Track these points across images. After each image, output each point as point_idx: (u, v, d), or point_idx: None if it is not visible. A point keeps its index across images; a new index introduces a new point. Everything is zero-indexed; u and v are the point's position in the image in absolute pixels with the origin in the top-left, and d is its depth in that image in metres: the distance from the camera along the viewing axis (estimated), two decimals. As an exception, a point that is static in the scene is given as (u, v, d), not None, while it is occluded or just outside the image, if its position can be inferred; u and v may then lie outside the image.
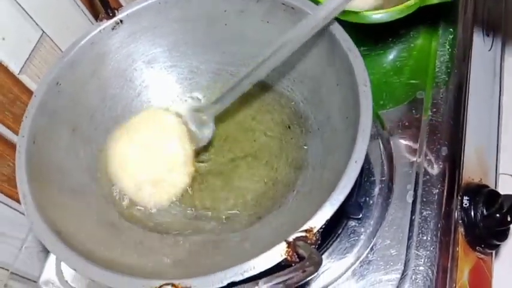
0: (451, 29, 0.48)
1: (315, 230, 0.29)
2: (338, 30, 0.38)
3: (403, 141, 0.42)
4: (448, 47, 0.47)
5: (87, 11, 0.55)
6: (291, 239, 0.29)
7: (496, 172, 0.50)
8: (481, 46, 0.51)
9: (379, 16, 0.41)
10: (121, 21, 0.44)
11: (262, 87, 0.46)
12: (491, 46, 0.53)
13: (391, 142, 0.42)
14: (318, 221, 0.30)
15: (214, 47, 0.47)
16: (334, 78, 0.39)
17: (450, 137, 0.42)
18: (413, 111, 0.45)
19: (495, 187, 0.48)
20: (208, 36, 0.47)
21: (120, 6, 0.45)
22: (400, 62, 0.48)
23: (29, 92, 0.49)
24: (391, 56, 0.49)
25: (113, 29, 0.44)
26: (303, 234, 0.29)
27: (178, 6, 0.45)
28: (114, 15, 0.44)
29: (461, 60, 0.47)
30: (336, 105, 0.39)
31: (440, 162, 0.41)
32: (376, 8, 0.44)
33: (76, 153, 0.41)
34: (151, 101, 0.47)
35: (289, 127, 0.44)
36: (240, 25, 0.46)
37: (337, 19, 0.39)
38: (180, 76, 0.48)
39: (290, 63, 0.44)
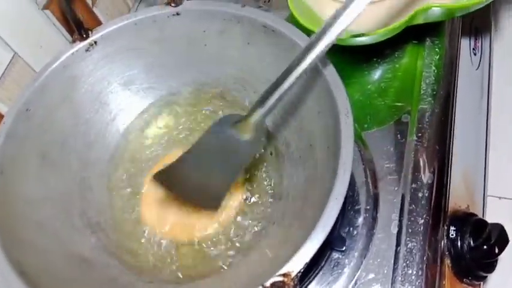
0: (436, 49, 0.47)
1: (293, 275, 0.28)
2: (324, 63, 0.36)
3: (387, 167, 0.41)
4: (434, 67, 0.46)
5: (63, 29, 0.53)
6: (268, 284, 0.28)
7: (484, 194, 0.49)
8: (468, 65, 0.50)
9: (363, 39, 0.40)
10: (95, 42, 0.42)
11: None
12: (479, 65, 0.52)
13: (376, 168, 0.41)
14: (297, 264, 0.28)
15: (194, 68, 0.46)
16: (315, 105, 0.38)
17: (436, 164, 0.41)
18: (398, 135, 0.43)
19: (483, 211, 0.47)
20: (187, 56, 0.45)
21: (99, 24, 0.44)
22: (384, 83, 0.47)
23: (0, 117, 0.47)
24: (376, 76, 0.48)
25: (86, 50, 0.42)
26: (281, 278, 0.28)
27: (156, 27, 0.43)
28: (87, 37, 0.42)
29: (447, 82, 0.45)
30: (317, 134, 0.38)
31: (425, 190, 0.39)
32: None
33: (46, 183, 0.39)
34: (127, 125, 0.46)
35: (270, 153, 0.43)
36: (220, 46, 0.44)
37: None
38: (158, 98, 0.47)
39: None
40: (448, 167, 0.42)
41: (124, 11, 0.62)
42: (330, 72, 0.35)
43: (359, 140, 0.43)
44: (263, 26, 0.40)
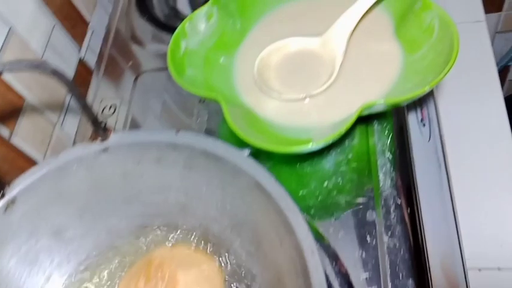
0: (386, 131, 0.46)
1: None
2: (273, 187, 0.33)
3: (364, 279, 0.37)
4: (388, 153, 0.44)
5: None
6: None
7: (465, 272, 0.46)
8: (419, 139, 0.48)
9: (310, 147, 0.37)
10: (13, 201, 0.37)
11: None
12: (430, 135, 0.50)
13: (352, 280, 0.37)
14: None
15: (134, 201, 0.41)
16: (275, 236, 0.34)
17: (414, 264, 0.38)
18: (368, 237, 0.40)
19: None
20: (124, 190, 0.40)
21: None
22: (341, 179, 0.44)
23: None
24: (330, 168, 0.45)
25: (5, 211, 0.37)
26: None
27: (83, 167, 0.38)
28: (3, 195, 0.37)
29: (405, 168, 0.43)
30: (284, 266, 0.34)
31: (410, 300, 0.36)
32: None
33: None
34: (67, 279, 0.40)
35: (233, 288, 0.38)
36: (159, 174, 0.40)
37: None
38: (98, 240, 0.41)
39: (225, 208, 0.39)
40: (426, 264, 0.39)
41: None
42: (287, 204, 0.32)
43: (329, 252, 0.40)
44: (202, 152, 0.37)
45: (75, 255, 0.41)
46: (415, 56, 0.40)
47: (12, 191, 0.36)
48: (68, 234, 0.40)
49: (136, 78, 0.60)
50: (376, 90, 0.40)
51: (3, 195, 0.36)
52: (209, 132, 0.53)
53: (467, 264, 0.48)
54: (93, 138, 0.38)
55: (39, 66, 0.29)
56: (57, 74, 0.30)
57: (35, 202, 0.38)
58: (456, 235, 0.48)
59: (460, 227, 0.49)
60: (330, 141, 0.36)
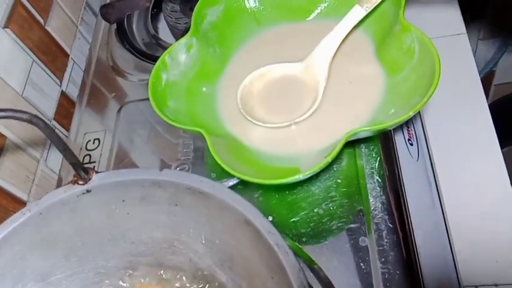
0: (373, 154, 0.45)
1: None
2: (261, 222, 0.32)
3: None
4: (376, 177, 0.44)
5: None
6: None
7: (461, 289, 0.46)
8: (409, 160, 0.48)
9: (297, 177, 0.36)
10: (-5, 249, 0.36)
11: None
12: (418, 155, 0.50)
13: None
14: None
15: (121, 240, 0.40)
16: (266, 270, 0.33)
17: (410, 290, 0.38)
18: (361, 264, 0.40)
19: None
20: (110, 230, 0.39)
21: None
22: (332, 204, 0.43)
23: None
24: (320, 195, 0.45)
25: (-12, 259, 0.36)
26: None
27: (66, 209, 0.37)
28: (-15, 244, 0.36)
29: (395, 191, 0.43)
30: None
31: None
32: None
33: None
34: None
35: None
36: (144, 212, 0.39)
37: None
38: (86, 282, 0.40)
39: (214, 243, 0.38)
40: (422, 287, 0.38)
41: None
42: (276, 240, 0.31)
43: (323, 281, 0.39)
44: (188, 188, 0.36)
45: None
46: (397, 78, 0.40)
47: (-7, 240, 0.36)
48: (55, 277, 0.39)
49: (120, 109, 0.59)
50: (360, 114, 0.39)
51: (-16, 244, 0.35)
52: (196, 161, 0.52)
53: (464, 282, 0.47)
54: (75, 180, 0.37)
55: (14, 115, 0.28)
56: (32, 122, 0.29)
57: (18, 248, 0.36)
58: (451, 254, 0.47)
59: (454, 245, 0.48)
60: (318, 171, 0.36)
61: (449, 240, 0.48)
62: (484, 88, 0.58)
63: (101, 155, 0.55)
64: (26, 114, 0.30)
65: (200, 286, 0.39)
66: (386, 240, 0.40)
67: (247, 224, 0.33)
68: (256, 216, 0.33)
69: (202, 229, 0.38)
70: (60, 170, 0.57)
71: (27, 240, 0.37)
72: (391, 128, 0.41)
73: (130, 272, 0.41)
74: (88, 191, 0.37)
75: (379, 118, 0.38)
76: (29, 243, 0.37)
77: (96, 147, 0.57)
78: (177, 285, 0.41)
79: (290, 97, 0.44)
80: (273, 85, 0.45)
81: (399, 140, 0.48)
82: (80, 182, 0.37)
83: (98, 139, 0.57)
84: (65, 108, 0.63)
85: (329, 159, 0.35)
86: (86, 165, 0.37)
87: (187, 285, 0.40)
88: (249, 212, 0.33)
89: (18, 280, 0.37)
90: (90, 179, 0.37)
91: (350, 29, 0.42)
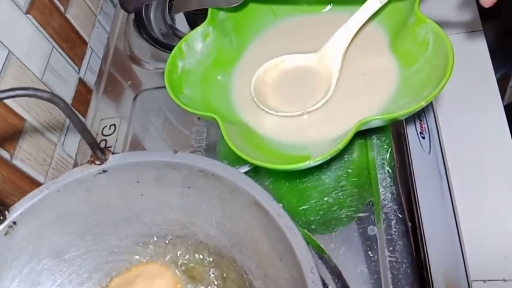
0: (385, 145, 0.45)
1: None
2: (272, 205, 0.33)
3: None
4: (387, 167, 0.44)
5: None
6: None
7: (469, 285, 0.46)
8: (420, 153, 0.48)
9: (308, 163, 0.37)
10: (14, 223, 0.37)
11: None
12: (430, 148, 0.50)
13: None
14: None
15: (134, 220, 0.41)
16: (274, 253, 0.34)
17: (417, 279, 0.38)
18: (370, 252, 0.40)
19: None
20: (124, 210, 0.41)
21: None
22: (342, 193, 0.44)
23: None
24: (330, 183, 0.45)
25: (6, 234, 0.37)
26: None
27: (82, 188, 0.39)
28: (4, 218, 0.37)
29: (405, 181, 0.43)
30: (285, 283, 0.34)
31: (413, 316, 0.36)
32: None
33: None
34: (69, 302, 0.40)
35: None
36: (158, 193, 0.40)
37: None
38: (99, 261, 0.41)
39: (225, 226, 0.39)
40: (429, 279, 0.38)
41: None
42: (286, 223, 0.32)
43: (331, 267, 0.40)
44: (201, 171, 0.37)
45: (77, 276, 0.41)
46: (411, 70, 0.40)
47: (12, 215, 0.37)
48: (70, 255, 0.40)
49: (135, 97, 0.60)
50: (373, 105, 0.40)
51: (4, 219, 0.36)
52: (209, 148, 0.53)
53: (472, 277, 0.47)
54: (92, 160, 0.38)
55: (35, 93, 0.29)
56: (53, 101, 0.30)
57: (35, 225, 0.38)
58: (459, 247, 0.47)
59: (463, 239, 0.48)
60: (328, 158, 0.36)
61: (458, 234, 0.48)
62: (499, 89, 0.58)
63: (116, 140, 0.56)
64: (47, 93, 0.31)
65: (210, 267, 0.40)
66: (395, 230, 0.40)
67: (258, 206, 0.34)
68: (266, 199, 0.34)
69: (214, 211, 0.38)
70: (76, 155, 0.59)
71: (44, 217, 0.38)
72: (403, 118, 0.41)
73: (142, 251, 0.42)
74: (104, 171, 0.38)
75: (391, 109, 0.39)
76: (45, 220, 0.38)
77: (112, 133, 0.58)
78: (188, 265, 0.42)
79: (303, 87, 0.45)
80: (287, 75, 0.45)
81: (411, 132, 0.48)
82: (97, 162, 0.38)
83: (114, 125, 0.59)
84: (82, 95, 0.64)
85: (340, 146, 0.36)
86: (102, 147, 0.38)
87: (198, 265, 0.41)
88: (260, 195, 0.34)
89: (34, 256, 0.38)
90: (106, 160, 0.38)
91: (364, 21, 0.42)
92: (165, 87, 0.43)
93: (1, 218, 0.36)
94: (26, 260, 0.38)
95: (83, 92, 0.64)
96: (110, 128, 0.58)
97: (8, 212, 0.37)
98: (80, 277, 0.40)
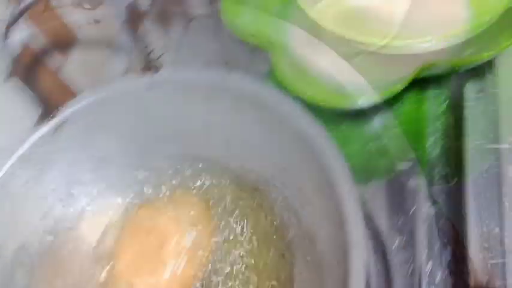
0: (440, 100, 0.43)
1: None
2: (323, 140, 0.32)
3: (399, 248, 0.37)
4: (439, 122, 0.42)
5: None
6: None
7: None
8: (475, 110, 0.46)
9: (364, 101, 0.36)
10: (62, 123, 0.37)
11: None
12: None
13: (387, 251, 0.37)
14: None
15: (178, 139, 0.41)
16: (315, 184, 0.34)
17: (453, 236, 0.37)
18: (406, 204, 0.39)
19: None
20: (169, 127, 0.41)
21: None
22: (386, 143, 0.43)
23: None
24: (376, 134, 0.44)
25: (54, 132, 0.37)
26: None
27: (133, 98, 0.38)
28: (53, 117, 0.38)
29: (454, 138, 0.41)
30: (322, 223, 0.33)
31: (445, 270, 0.35)
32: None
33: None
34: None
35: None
36: (205, 113, 0.39)
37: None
38: (136, 179, 0.42)
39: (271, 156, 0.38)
40: (466, 239, 0.37)
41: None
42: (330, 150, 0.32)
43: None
44: (252, 95, 0.36)
45: (114, 190, 0.41)
46: (485, 18, 0.38)
47: (61, 114, 0.37)
48: (112, 166, 0.41)
49: (186, 25, 0.59)
50: (437, 51, 0.38)
51: (53, 117, 0.37)
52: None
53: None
54: (143, 71, 0.38)
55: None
56: None
57: (82, 128, 0.38)
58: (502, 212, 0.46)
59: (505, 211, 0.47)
60: (385, 97, 0.35)
61: (501, 201, 0.47)
62: None
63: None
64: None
65: (246, 195, 0.40)
66: (436, 185, 0.39)
67: (307, 139, 0.33)
68: (318, 132, 0.33)
69: (260, 139, 0.38)
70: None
71: (90, 122, 0.39)
72: (467, 68, 0.39)
73: (177, 176, 0.42)
74: (154, 84, 0.38)
75: (457, 55, 0.37)
76: (91, 126, 0.39)
77: (158, 59, 0.58)
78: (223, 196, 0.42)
79: (364, 26, 0.43)
80: (348, 11, 0.43)
81: (469, 90, 0.46)
82: (148, 73, 0.38)
83: (162, 53, 0.58)
84: (133, 20, 0.64)
85: (398, 86, 0.34)
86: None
87: (234, 195, 0.41)
88: (311, 128, 0.33)
89: (75, 161, 0.39)
90: (158, 72, 0.38)
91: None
92: (217, 16, 0.43)
93: (51, 116, 0.37)
94: (68, 165, 0.39)
95: (134, 17, 0.64)
96: (157, 55, 0.58)
97: (58, 110, 0.38)
98: (122, 186, 0.41)
